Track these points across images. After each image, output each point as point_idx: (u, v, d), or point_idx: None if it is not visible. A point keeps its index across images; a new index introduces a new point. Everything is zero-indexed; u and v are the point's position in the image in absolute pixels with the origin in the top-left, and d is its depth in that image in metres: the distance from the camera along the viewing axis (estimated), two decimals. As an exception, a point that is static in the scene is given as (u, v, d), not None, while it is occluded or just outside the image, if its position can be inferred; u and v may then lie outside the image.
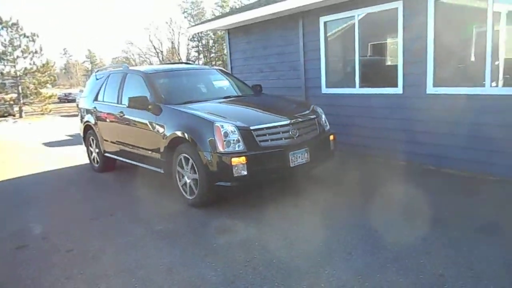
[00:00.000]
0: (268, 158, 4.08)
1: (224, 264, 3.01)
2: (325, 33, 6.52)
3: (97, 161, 6.39)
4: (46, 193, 5.48)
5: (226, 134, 3.99)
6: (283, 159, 4.14)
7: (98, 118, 6.09)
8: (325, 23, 6.47)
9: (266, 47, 7.72)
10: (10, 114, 23.65)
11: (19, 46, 23.40)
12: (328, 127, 4.90)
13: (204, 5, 61.56)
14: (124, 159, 5.71)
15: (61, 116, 22.96)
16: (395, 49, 5.83)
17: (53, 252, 3.46)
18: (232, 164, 3.91)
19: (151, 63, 53.54)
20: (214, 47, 59.81)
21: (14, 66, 23.42)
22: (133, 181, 5.64)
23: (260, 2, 7.59)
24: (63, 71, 79.64)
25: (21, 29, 23.38)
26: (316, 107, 5.00)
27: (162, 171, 4.78)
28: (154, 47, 56.69)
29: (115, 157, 5.93)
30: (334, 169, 5.46)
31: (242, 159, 3.93)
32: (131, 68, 6.02)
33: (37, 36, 23.88)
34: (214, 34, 57.91)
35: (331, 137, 4.81)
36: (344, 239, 3.30)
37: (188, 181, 4.35)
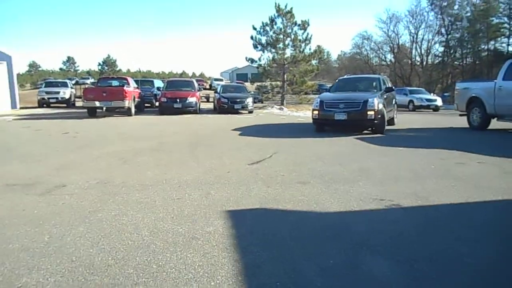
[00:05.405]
0: (326, 113, 10.04)
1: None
2: None
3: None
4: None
5: (317, 102, 10.38)
6: (332, 115, 9.88)
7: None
8: None
9: None
10: (260, 101, 24.96)
11: (290, 34, 23.04)
12: (374, 107, 9.46)
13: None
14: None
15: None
16: None
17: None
18: (313, 112, 10.33)
19: (383, 59, 59.98)
20: (468, 42, 48.01)
21: (283, 54, 23.27)
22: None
23: None
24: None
25: (293, 17, 22.76)
26: (370, 98, 9.63)
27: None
28: (391, 42, 57.76)
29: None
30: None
31: (317, 112, 10.23)
32: (341, 78, 12.73)
33: (308, 24, 22.85)
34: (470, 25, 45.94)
35: (370, 112, 9.45)
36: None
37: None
